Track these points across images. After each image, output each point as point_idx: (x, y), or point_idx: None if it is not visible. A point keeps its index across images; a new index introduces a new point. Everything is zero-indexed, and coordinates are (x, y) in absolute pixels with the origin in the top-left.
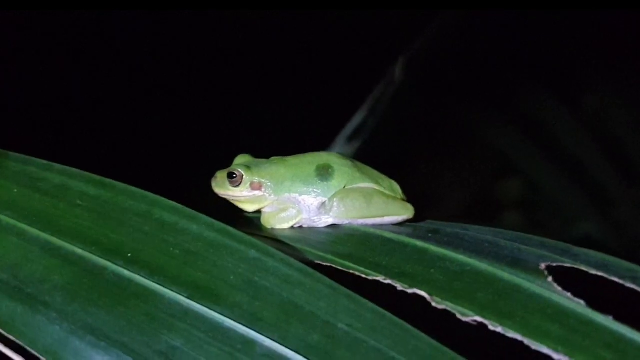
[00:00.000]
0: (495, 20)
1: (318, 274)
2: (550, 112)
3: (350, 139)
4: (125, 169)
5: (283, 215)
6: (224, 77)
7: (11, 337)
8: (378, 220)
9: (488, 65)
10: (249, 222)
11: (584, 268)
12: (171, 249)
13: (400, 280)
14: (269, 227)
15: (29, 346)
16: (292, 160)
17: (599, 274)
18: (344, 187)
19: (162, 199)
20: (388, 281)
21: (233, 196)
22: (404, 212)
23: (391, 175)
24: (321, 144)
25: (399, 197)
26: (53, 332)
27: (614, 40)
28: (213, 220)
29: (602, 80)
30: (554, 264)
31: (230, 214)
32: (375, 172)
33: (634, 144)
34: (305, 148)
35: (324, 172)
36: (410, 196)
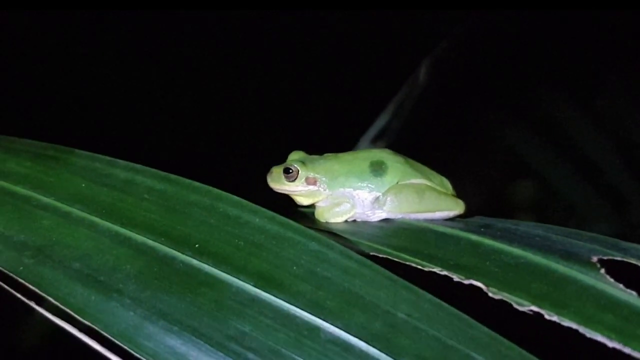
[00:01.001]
0: (514, 22)
1: (376, 266)
2: (566, 113)
3: (374, 140)
4: (186, 166)
5: (337, 209)
6: (252, 82)
7: (86, 322)
8: (430, 215)
9: (506, 67)
10: (303, 216)
11: (634, 261)
12: (236, 240)
13: (456, 272)
14: (323, 220)
15: (103, 330)
16: (346, 156)
17: None
18: (397, 182)
19: (225, 193)
20: (444, 272)
21: (289, 190)
22: (455, 207)
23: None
24: (346, 146)
25: (449, 193)
26: (127, 318)
27: (630, 40)
28: (274, 214)
29: (617, 81)
30: (605, 257)
31: (285, 208)
32: (426, 169)
33: None
34: (329, 150)
35: (377, 168)
36: (460, 192)
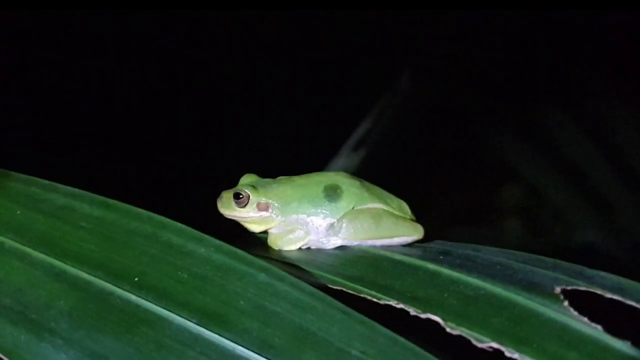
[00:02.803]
0: (498, 26)
1: (330, 298)
2: (553, 119)
3: (356, 148)
4: (128, 189)
5: (291, 236)
6: (226, 89)
7: None
8: (387, 242)
9: (491, 73)
10: (255, 243)
11: (599, 291)
12: (179, 272)
13: (413, 305)
14: (276, 248)
15: None
16: (300, 180)
17: (615, 297)
18: (353, 207)
19: (168, 220)
20: (401, 305)
21: (239, 216)
22: (414, 232)
23: (397, 186)
24: (326, 154)
25: (408, 217)
26: None
27: (618, 46)
28: (221, 243)
29: (604, 86)
30: (569, 287)
31: (236, 234)
32: (383, 192)
33: (635, 151)
34: (310, 158)
35: (332, 193)
36: (418, 215)
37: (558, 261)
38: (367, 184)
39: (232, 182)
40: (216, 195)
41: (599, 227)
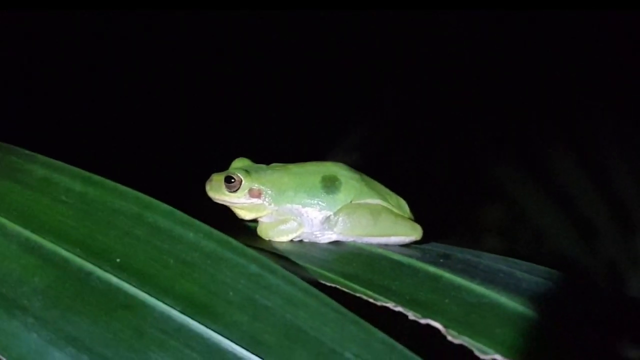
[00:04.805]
0: (493, 38)
1: (323, 296)
2: (543, 139)
3: (350, 151)
4: (114, 166)
5: (283, 227)
6: (225, 78)
7: None
8: (384, 240)
9: (484, 88)
10: (243, 232)
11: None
12: (165, 257)
13: (412, 309)
14: (266, 238)
15: (1, 354)
16: (296, 168)
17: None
18: (351, 201)
19: (156, 201)
20: (399, 308)
21: (229, 202)
22: (412, 232)
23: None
24: (321, 152)
25: (407, 216)
26: (30, 340)
27: (608, 69)
28: (211, 229)
29: (596, 109)
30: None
31: (222, 220)
32: (383, 188)
33: (620, 174)
34: (304, 154)
35: (330, 184)
36: (418, 216)
37: (564, 274)
38: (366, 177)
39: (222, 166)
40: (204, 178)
41: (581, 250)
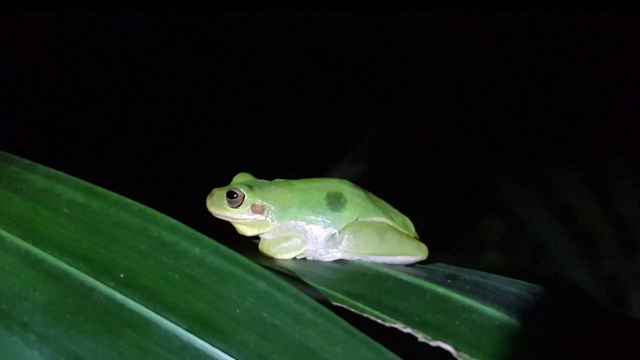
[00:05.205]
0: (502, 49)
1: (333, 315)
2: (547, 155)
3: (355, 161)
4: (113, 178)
5: (286, 244)
6: (226, 90)
7: None
8: (389, 259)
9: (491, 103)
10: (244, 248)
11: None
12: (170, 272)
13: (421, 330)
14: (268, 255)
15: None
16: (299, 184)
17: None
18: (356, 219)
19: (161, 214)
20: (408, 330)
21: (231, 217)
22: (418, 252)
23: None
24: (324, 163)
25: (412, 235)
26: (31, 358)
27: (611, 87)
28: (218, 244)
29: (599, 127)
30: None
31: (222, 236)
32: (388, 206)
33: (625, 194)
34: (307, 165)
35: (335, 201)
36: (423, 235)
37: (578, 298)
38: (371, 195)
39: (220, 181)
40: (204, 192)
41: (583, 268)
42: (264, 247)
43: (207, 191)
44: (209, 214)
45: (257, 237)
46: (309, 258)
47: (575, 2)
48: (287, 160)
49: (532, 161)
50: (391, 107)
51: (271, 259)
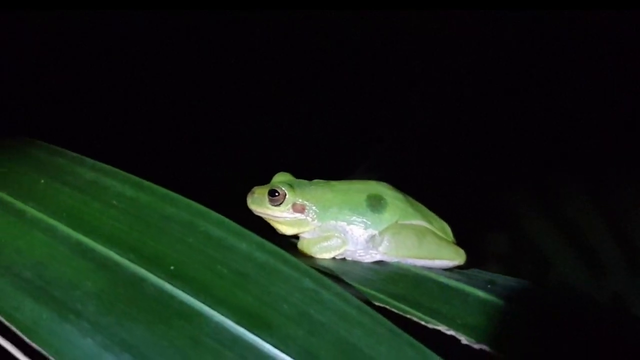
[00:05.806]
0: (519, 58)
1: (377, 314)
2: (557, 173)
3: (369, 171)
4: (154, 173)
5: (326, 244)
6: (227, 87)
7: (33, 345)
8: (428, 263)
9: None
10: (283, 246)
11: None
12: (219, 266)
13: (464, 333)
14: (308, 254)
15: (54, 357)
16: (340, 185)
17: None
18: (396, 221)
19: (207, 209)
20: (451, 332)
21: (271, 215)
22: (456, 257)
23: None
24: (340, 172)
25: (450, 240)
26: (84, 345)
27: (612, 88)
28: (264, 241)
29: (607, 146)
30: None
31: (262, 234)
32: (427, 210)
33: (631, 210)
34: (324, 172)
35: (375, 203)
36: (461, 241)
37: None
38: (410, 199)
39: (237, 179)
40: (239, 190)
41: (587, 286)
42: (303, 246)
43: (234, 190)
44: (245, 213)
45: (295, 237)
46: (348, 258)
47: (575, 2)
48: (309, 165)
49: (539, 175)
50: (390, 110)
51: (310, 258)
